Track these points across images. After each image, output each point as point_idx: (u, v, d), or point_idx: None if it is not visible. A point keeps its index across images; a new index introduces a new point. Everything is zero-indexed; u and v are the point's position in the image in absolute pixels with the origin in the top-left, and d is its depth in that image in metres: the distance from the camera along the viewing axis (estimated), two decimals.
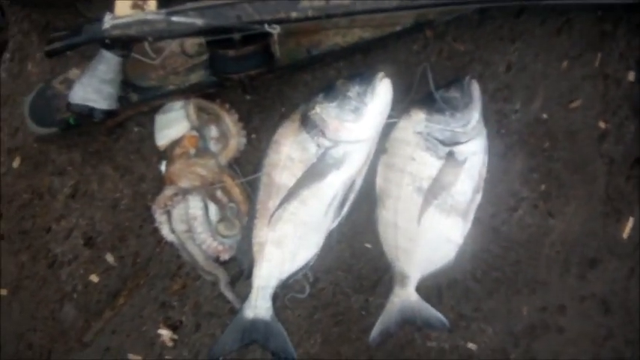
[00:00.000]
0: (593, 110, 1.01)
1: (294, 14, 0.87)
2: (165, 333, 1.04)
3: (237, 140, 1.02)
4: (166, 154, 1.04)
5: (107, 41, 0.89)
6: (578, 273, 1.00)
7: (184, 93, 1.02)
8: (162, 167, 1.05)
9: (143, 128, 1.07)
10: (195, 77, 1.00)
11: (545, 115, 1.02)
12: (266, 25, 0.87)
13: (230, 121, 1.02)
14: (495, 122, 1.01)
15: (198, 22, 0.87)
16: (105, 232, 1.08)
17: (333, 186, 0.94)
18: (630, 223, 0.99)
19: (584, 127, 1.01)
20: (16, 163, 1.11)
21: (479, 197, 0.95)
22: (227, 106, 1.03)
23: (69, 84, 1.02)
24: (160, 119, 1.04)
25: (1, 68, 1.13)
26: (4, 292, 1.11)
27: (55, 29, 1.09)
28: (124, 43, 0.91)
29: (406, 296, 0.96)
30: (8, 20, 1.13)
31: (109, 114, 0.95)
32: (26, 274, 1.10)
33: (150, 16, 0.88)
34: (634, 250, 0.99)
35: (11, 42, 1.12)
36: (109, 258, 1.07)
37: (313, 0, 0.88)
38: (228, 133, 1.02)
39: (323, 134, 0.93)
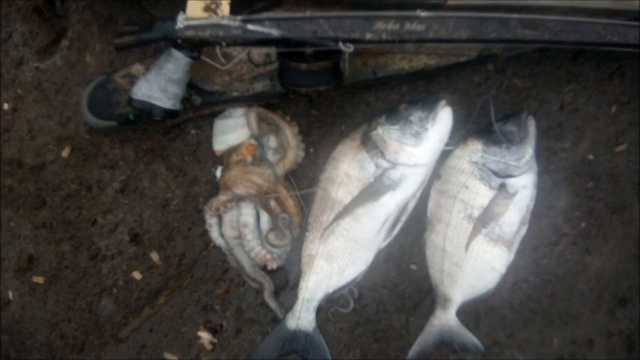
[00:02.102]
0: (636, 155, 1.05)
1: (368, 35, 0.88)
2: (204, 336, 1.04)
3: (295, 152, 1.02)
4: (222, 159, 1.05)
5: (179, 41, 0.89)
6: (609, 310, 1.05)
7: (247, 101, 1.02)
8: (218, 172, 1.05)
9: (200, 131, 1.07)
10: (259, 86, 1.01)
11: (591, 156, 1.06)
12: (341, 43, 0.88)
13: (290, 133, 1.02)
14: (544, 159, 1.04)
15: (274, 32, 0.88)
16: (152, 231, 1.07)
17: (388, 206, 0.96)
18: None
19: (626, 170, 1.05)
20: (65, 153, 1.09)
21: (524, 230, 0.98)
22: (288, 118, 1.04)
23: (131, 79, 1.01)
24: (220, 124, 1.05)
25: (57, 55, 1.11)
26: (40, 279, 1.09)
27: (118, 23, 1.09)
28: (195, 45, 0.91)
29: (446, 319, 0.99)
30: (68, 8, 1.12)
31: (170, 114, 0.95)
32: (66, 265, 1.08)
33: (225, 22, 0.88)
34: None
35: (70, 30, 1.11)
36: (154, 256, 1.07)
37: (388, 23, 0.89)
38: (287, 145, 1.02)
39: (382, 155, 0.95)
